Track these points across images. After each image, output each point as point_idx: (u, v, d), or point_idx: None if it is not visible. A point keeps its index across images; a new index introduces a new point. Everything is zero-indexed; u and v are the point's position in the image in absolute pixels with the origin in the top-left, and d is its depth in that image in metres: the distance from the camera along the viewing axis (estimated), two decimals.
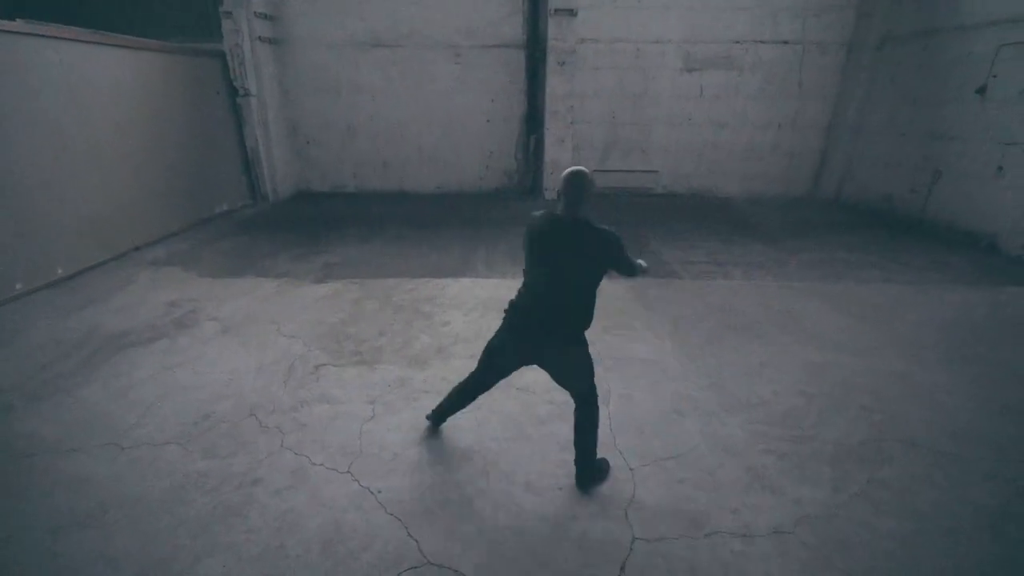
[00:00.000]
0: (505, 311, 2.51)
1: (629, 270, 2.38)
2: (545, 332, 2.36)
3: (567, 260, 2.23)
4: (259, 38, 8.41)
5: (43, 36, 5.26)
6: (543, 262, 2.28)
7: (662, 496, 2.58)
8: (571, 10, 8.22)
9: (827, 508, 2.50)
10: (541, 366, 2.50)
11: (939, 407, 3.32)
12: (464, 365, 3.72)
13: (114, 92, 6.15)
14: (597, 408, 2.54)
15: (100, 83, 5.95)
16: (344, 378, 3.61)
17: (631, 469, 2.76)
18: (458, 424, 3.11)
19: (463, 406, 2.91)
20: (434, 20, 8.81)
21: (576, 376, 2.48)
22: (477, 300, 4.97)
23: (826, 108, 9.21)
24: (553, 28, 8.35)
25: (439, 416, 3.00)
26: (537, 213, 2.36)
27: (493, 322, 4.49)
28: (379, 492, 2.60)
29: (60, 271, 5.42)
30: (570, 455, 2.71)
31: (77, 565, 2.17)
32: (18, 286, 4.97)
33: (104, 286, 5.27)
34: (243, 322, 4.45)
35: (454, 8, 8.74)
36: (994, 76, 6.48)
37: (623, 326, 4.41)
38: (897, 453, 2.89)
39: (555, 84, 8.65)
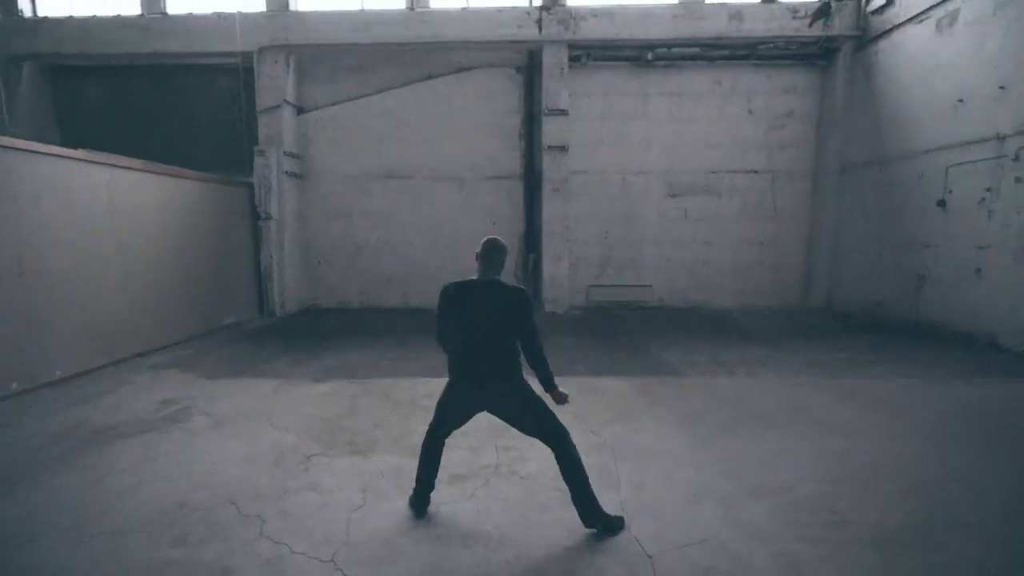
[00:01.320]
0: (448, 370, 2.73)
1: (530, 332, 2.62)
2: (480, 374, 2.62)
3: (486, 313, 2.58)
4: (286, 172, 9.43)
5: (97, 163, 5.94)
6: (466, 317, 2.62)
7: None
8: (562, 147, 9.35)
9: None
10: (493, 412, 2.69)
11: (978, 488, 3.06)
12: (465, 456, 3.52)
13: (150, 211, 6.72)
14: (572, 444, 2.65)
15: (139, 202, 6.54)
16: (335, 468, 3.39)
17: (649, 556, 2.46)
18: (455, 511, 2.85)
19: (434, 467, 2.87)
20: (442, 156, 9.96)
21: (530, 412, 2.65)
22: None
23: (802, 226, 9.93)
24: (547, 161, 9.41)
25: (419, 493, 2.87)
26: (451, 283, 2.73)
27: (496, 419, 4.34)
28: None
29: (58, 373, 5.37)
30: (580, 540, 2.44)
31: None
32: (13, 385, 4.90)
33: (100, 387, 5.18)
34: (236, 417, 4.30)
35: (460, 147, 9.93)
36: (949, 192, 7.14)
37: (629, 418, 4.25)
38: (947, 536, 2.60)
39: (550, 208, 9.46)
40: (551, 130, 9.33)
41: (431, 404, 4.56)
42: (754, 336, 7.52)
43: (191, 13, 9.35)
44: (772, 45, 9.30)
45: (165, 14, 9.46)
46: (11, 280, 4.96)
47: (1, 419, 4.25)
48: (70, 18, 9.38)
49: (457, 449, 3.67)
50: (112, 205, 6.12)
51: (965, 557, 2.43)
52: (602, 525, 2.61)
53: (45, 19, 9.44)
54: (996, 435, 3.86)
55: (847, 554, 2.46)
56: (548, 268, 9.50)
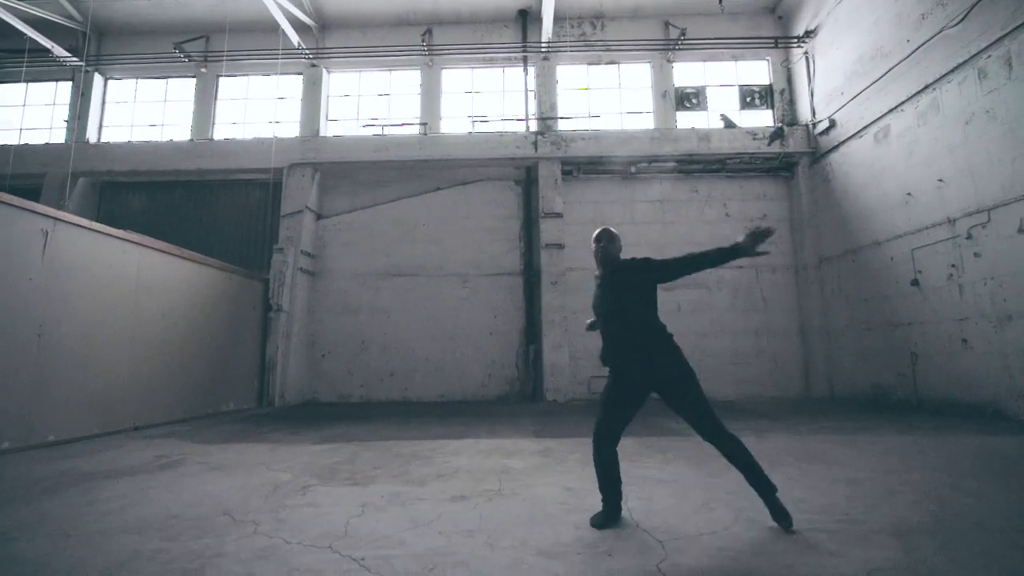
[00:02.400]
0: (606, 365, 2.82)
1: (677, 264, 2.67)
2: (633, 349, 2.68)
3: (617, 293, 2.74)
4: (300, 269, 10.07)
5: (131, 241, 6.52)
6: (603, 306, 2.80)
7: (701, 559, 2.17)
8: (559, 244, 10.14)
9: (901, 564, 2.10)
10: (660, 392, 2.71)
11: (992, 501, 2.97)
12: (466, 486, 3.44)
13: (171, 292, 7.14)
14: (736, 439, 2.61)
15: (162, 283, 6.98)
16: (334, 493, 3.28)
17: (660, 541, 2.37)
18: (458, 517, 2.76)
19: (611, 472, 2.71)
20: (447, 256, 10.71)
21: (691, 394, 2.65)
22: (481, 449, 4.74)
23: (792, 316, 10.29)
24: (545, 258, 10.12)
25: (605, 507, 2.68)
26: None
27: (500, 460, 4.25)
28: (362, 559, 2.19)
29: (51, 437, 5.27)
30: (586, 529, 2.38)
31: None
32: (5, 444, 4.81)
33: (93, 447, 5.05)
34: (231, 464, 4.19)
35: (464, 247, 10.74)
36: (919, 272, 7.65)
37: (632, 460, 4.15)
38: (964, 532, 2.50)
39: (549, 299, 9.92)
40: (548, 230, 10.21)
41: (432, 455, 4.50)
42: (759, 414, 7.40)
43: (233, 138, 10.84)
44: (739, 160, 10.63)
45: (211, 139, 10.95)
46: (30, 341, 5.16)
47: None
48: (127, 143, 10.84)
49: (459, 480, 3.59)
50: (138, 282, 6.54)
51: (983, 548, 2.33)
52: (784, 520, 2.49)
53: (107, 144, 10.90)
54: (1009, 469, 3.77)
55: (867, 540, 2.37)
56: (549, 356, 9.63)
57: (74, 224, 5.67)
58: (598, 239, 2.90)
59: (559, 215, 10.27)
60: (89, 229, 5.86)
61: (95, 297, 5.89)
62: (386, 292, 10.60)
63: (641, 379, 2.69)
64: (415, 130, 11.12)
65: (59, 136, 11.34)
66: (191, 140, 10.93)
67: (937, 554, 2.18)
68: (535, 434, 5.63)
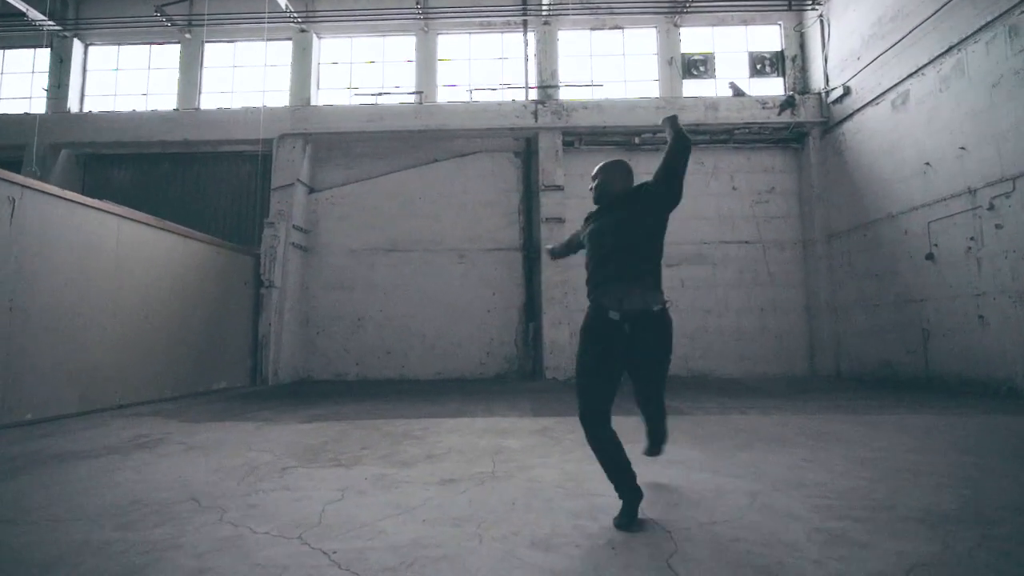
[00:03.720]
0: (587, 325, 2.42)
1: (663, 170, 2.39)
2: (627, 283, 2.26)
3: (624, 225, 2.35)
4: (292, 244, 9.76)
5: (109, 212, 6.20)
6: (603, 242, 2.39)
7: (715, 551, 1.93)
8: (559, 219, 9.79)
9: (944, 559, 1.85)
10: (637, 361, 2.35)
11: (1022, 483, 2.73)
12: (458, 468, 3.20)
13: (154, 266, 6.84)
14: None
15: (145, 256, 6.69)
16: (314, 475, 3.05)
17: (668, 532, 2.12)
18: (446, 504, 2.52)
19: (617, 459, 2.27)
20: (444, 230, 10.37)
21: (663, 371, 2.50)
22: (475, 428, 4.52)
23: (799, 293, 10.00)
24: (545, 233, 9.78)
25: (628, 493, 2.23)
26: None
27: (495, 440, 4.03)
28: (334, 552, 1.95)
29: (29, 415, 5.05)
30: (586, 517, 2.13)
31: None
32: None
33: (71, 426, 4.84)
34: (211, 444, 3.96)
35: (461, 221, 10.40)
36: (935, 245, 7.33)
37: (633, 441, 3.90)
38: (1001, 516, 2.26)
39: (550, 275, 9.62)
40: (548, 203, 9.85)
41: (424, 435, 4.27)
42: (765, 392, 7.19)
43: (221, 107, 10.40)
44: (748, 130, 10.19)
45: (197, 109, 10.51)
46: (0, 315, 4.90)
47: None
48: (110, 112, 10.41)
49: (449, 461, 3.36)
50: (118, 255, 6.25)
51: None
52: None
53: (88, 113, 10.47)
54: None
55: (898, 529, 2.13)
56: (548, 333, 9.39)
57: (44, 192, 5.35)
58: (595, 175, 2.55)
59: (560, 188, 9.90)
60: (61, 198, 5.54)
61: (72, 270, 5.61)
62: (381, 268, 10.31)
63: (637, 342, 2.25)
64: (410, 99, 10.65)
65: (40, 106, 10.89)
66: (176, 110, 10.49)
67: (981, 547, 1.94)
68: (533, 413, 5.41)
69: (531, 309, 10.11)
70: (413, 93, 10.67)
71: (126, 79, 11.10)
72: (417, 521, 2.26)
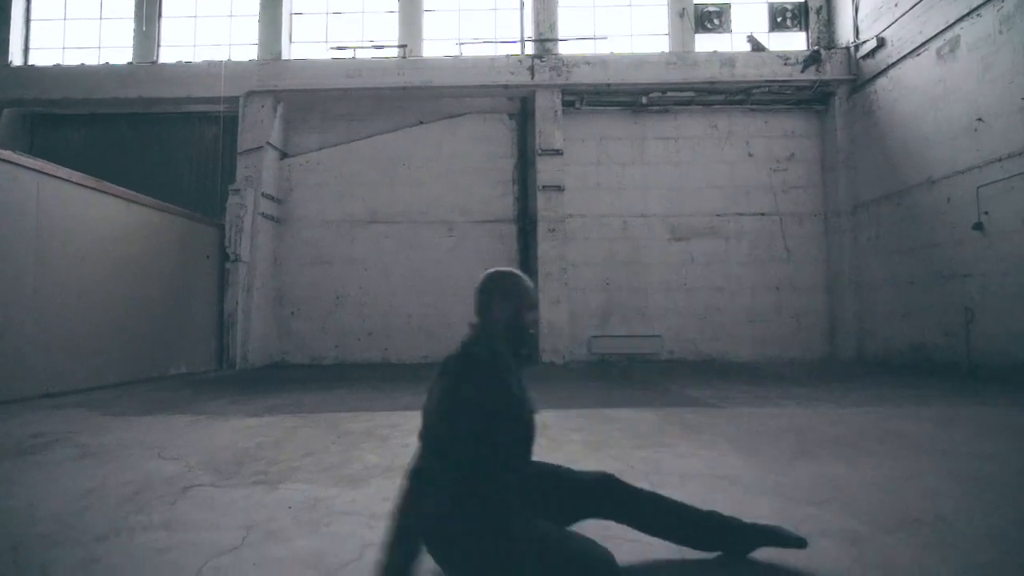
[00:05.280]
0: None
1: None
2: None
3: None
4: (262, 214, 8.79)
5: (25, 167, 5.23)
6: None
7: None
8: (558, 187, 8.85)
9: None
10: None
11: None
12: None
13: (90, 235, 5.91)
14: None
15: (76, 222, 5.74)
16: (219, 500, 2.19)
17: None
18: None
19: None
20: (431, 200, 9.42)
21: None
22: None
23: (819, 270, 9.16)
24: (542, 201, 8.86)
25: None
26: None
27: None
28: None
29: None
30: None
31: None
32: None
33: None
34: (113, 448, 3.10)
35: (450, 190, 9.44)
36: (985, 213, 6.46)
37: (660, 445, 3.08)
38: None
39: (546, 248, 8.73)
40: (546, 169, 8.90)
41: (390, 433, 3.42)
42: (786, 378, 6.39)
43: (181, 61, 9.31)
44: (767, 90, 9.20)
45: (154, 63, 9.41)
46: None
47: None
48: (56, 66, 9.31)
49: None
50: (39, 219, 5.30)
51: None
52: None
53: (32, 67, 9.37)
54: None
55: None
56: (546, 313, 8.53)
57: None
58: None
59: (558, 152, 8.94)
60: None
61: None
62: (362, 241, 9.37)
63: None
64: (393, 54, 9.57)
65: None
66: (131, 63, 9.37)
67: None
68: None
69: None
70: (396, 47, 9.59)
71: (75, 30, 9.94)
72: None
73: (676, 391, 5.25)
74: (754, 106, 9.44)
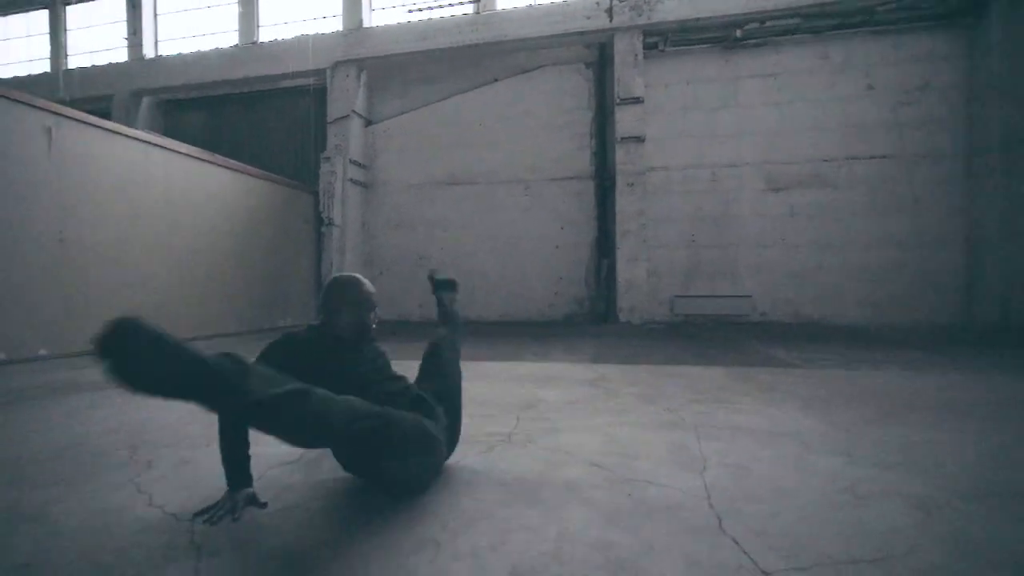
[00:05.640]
0: None
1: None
2: None
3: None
4: (351, 180, 9.37)
5: (155, 144, 6.01)
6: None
7: None
8: (638, 137, 8.33)
9: None
10: None
11: None
12: (467, 426, 2.43)
13: (210, 203, 6.71)
14: None
15: (198, 192, 6.54)
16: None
17: (766, 574, 1.18)
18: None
19: None
20: (506, 159, 9.37)
21: None
22: (516, 374, 3.75)
23: (955, 221, 7.78)
24: (621, 155, 8.42)
25: None
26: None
27: (533, 390, 3.23)
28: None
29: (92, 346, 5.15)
30: (622, 523, 1.25)
31: None
32: (41, 351, 4.69)
33: None
34: None
35: (525, 149, 9.31)
36: None
37: (719, 400, 2.89)
38: None
39: (625, 204, 8.34)
40: (625, 120, 8.40)
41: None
42: (904, 344, 5.61)
43: (275, 39, 10.00)
44: (894, 5, 7.76)
45: (254, 43, 10.21)
46: (51, 247, 4.89)
47: (19, 377, 3.93)
48: (178, 55, 10.47)
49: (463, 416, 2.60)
50: (167, 188, 6.11)
51: None
52: None
53: (160, 58, 10.63)
54: None
55: None
56: (623, 271, 8.26)
57: (80, 121, 5.18)
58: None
59: (639, 100, 8.37)
60: (98, 127, 5.37)
61: (120, 202, 5.52)
62: (441, 203, 9.65)
63: None
64: (469, 11, 9.45)
65: (124, 56, 11.25)
66: (235, 46, 10.26)
67: None
68: (593, 359, 4.52)
69: (605, 244, 8.96)
70: (471, 2, 9.45)
71: (193, 18, 11.05)
72: (339, 518, 1.53)
73: (760, 352, 4.85)
74: (877, 28, 8.02)
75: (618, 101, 8.46)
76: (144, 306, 5.73)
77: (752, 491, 1.63)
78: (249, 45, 10.15)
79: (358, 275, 1.81)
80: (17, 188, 4.62)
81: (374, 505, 1.57)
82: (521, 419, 2.55)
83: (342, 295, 1.73)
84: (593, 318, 8.90)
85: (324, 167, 9.08)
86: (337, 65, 9.49)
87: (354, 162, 9.48)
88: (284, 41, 9.83)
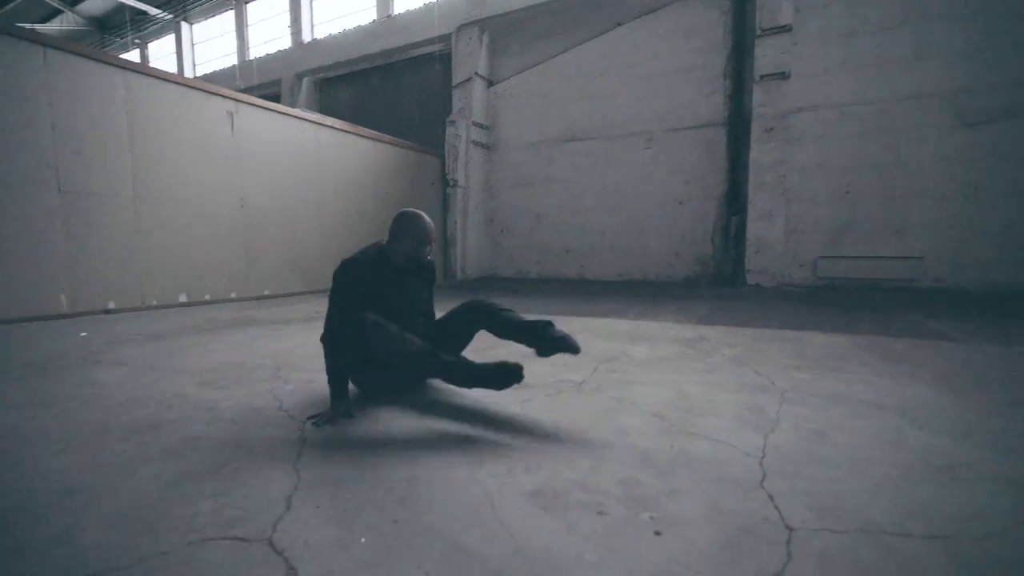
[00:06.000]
0: None
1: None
2: None
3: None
4: (473, 142, 9.78)
5: (310, 120, 6.95)
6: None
7: None
8: (781, 73, 7.27)
9: None
10: None
11: None
12: (544, 371, 2.58)
13: (349, 168, 7.63)
14: None
15: (340, 160, 7.47)
16: None
17: (790, 529, 1.13)
18: (455, 413, 1.96)
19: None
20: (627, 111, 8.91)
21: None
22: (611, 330, 3.77)
23: None
24: (760, 96, 7.45)
25: None
26: None
27: (621, 346, 3.25)
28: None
29: (266, 292, 6.37)
30: (642, 472, 1.29)
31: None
32: (232, 294, 5.94)
33: (285, 303, 5.91)
34: None
35: (648, 97, 8.73)
36: None
37: (827, 368, 2.59)
38: None
39: (761, 153, 7.44)
40: (766, 54, 7.36)
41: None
42: None
43: (407, 10, 10.61)
44: None
45: (390, 16, 10.97)
46: (236, 211, 6.06)
47: (200, 312, 5.10)
48: (328, 36, 11.72)
49: (542, 363, 2.75)
50: (318, 158, 7.08)
51: None
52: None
53: (315, 41, 12.02)
54: None
55: None
56: (754, 229, 7.48)
57: (253, 104, 6.22)
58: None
59: (785, 28, 7.25)
60: (266, 109, 6.39)
61: (281, 172, 6.58)
62: (559, 161, 9.61)
63: None
64: None
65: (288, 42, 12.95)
66: (373, 21, 11.14)
67: None
68: (701, 320, 4.29)
69: (735, 200, 8.16)
70: None
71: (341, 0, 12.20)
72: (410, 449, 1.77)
73: (913, 322, 4.12)
74: None
75: (759, 32, 7.42)
76: (301, 260, 6.84)
77: (817, 456, 1.51)
78: (384, 19, 10.95)
79: (422, 213, 2.09)
80: (211, 162, 5.78)
81: (435, 428, 1.80)
82: (599, 370, 2.61)
83: (407, 227, 2.04)
84: (717, 280, 8.29)
85: (449, 131, 9.60)
86: (460, 29, 9.79)
87: (476, 124, 9.85)
88: (413, 11, 10.41)
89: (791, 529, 1.13)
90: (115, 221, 4.95)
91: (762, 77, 7.39)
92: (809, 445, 1.60)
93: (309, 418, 1.88)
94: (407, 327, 1.94)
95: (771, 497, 1.27)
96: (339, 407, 1.89)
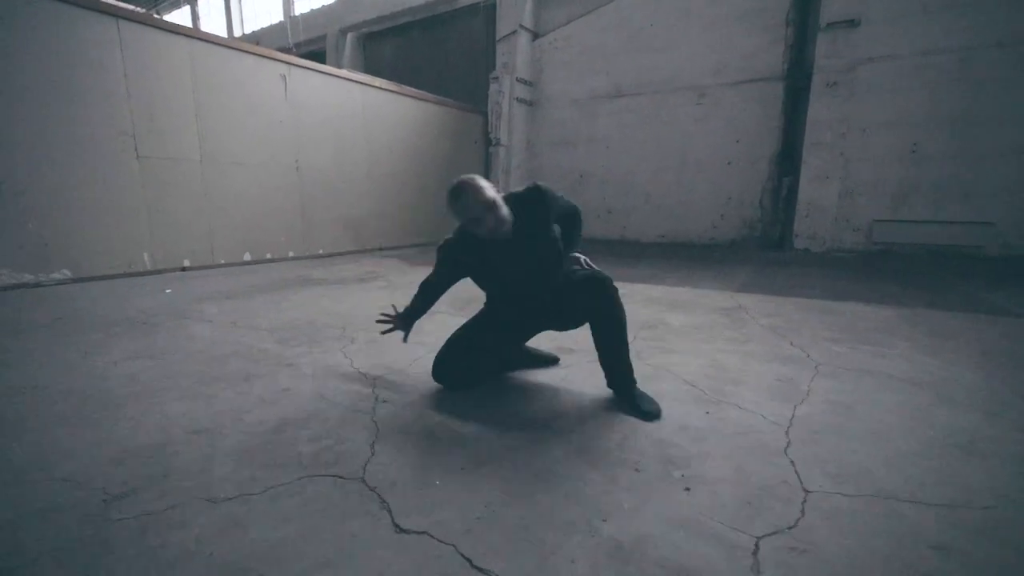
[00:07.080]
0: None
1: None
2: None
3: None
4: (517, 99, 9.63)
5: (355, 81, 7.06)
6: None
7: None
8: (850, 20, 6.72)
9: None
10: None
11: None
12: (583, 337, 2.73)
13: (396, 129, 7.76)
14: None
15: (386, 120, 7.60)
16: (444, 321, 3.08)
17: (806, 491, 1.28)
18: (499, 385, 2.16)
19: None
20: (678, 64, 8.50)
21: None
22: (647, 296, 3.87)
23: None
24: (824, 46, 6.94)
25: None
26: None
27: (658, 313, 3.36)
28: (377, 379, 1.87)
29: (321, 251, 6.75)
30: (662, 435, 1.45)
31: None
32: (290, 254, 6.35)
33: (337, 262, 6.27)
34: (408, 284, 4.49)
35: (702, 48, 8.27)
36: None
37: (866, 341, 2.63)
38: None
39: (820, 109, 7.02)
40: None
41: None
42: None
43: None
44: None
45: None
46: (291, 173, 6.36)
47: (264, 270, 5.51)
48: None
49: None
50: (365, 119, 7.23)
51: None
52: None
53: None
54: None
55: None
56: (806, 191, 7.18)
57: (304, 67, 6.37)
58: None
59: None
60: (316, 71, 6.53)
61: (332, 134, 6.79)
62: (604, 118, 9.36)
63: None
64: None
65: None
66: None
67: None
68: (740, 287, 4.31)
69: (788, 160, 7.79)
70: None
71: None
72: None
73: (971, 293, 3.99)
74: None
75: None
76: (352, 219, 7.15)
77: (843, 428, 1.63)
78: None
79: (460, 183, 1.81)
80: (268, 125, 6.04)
81: (491, 399, 2.02)
82: (636, 338, 2.75)
83: (452, 211, 1.83)
84: (764, 244, 8.07)
85: (492, 87, 9.48)
86: None
87: (520, 80, 9.66)
88: None
89: (807, 491, 1.28)
90: (186, 184, 5.34)
91: (828, 25, 6.87)
92: (835, 418, 1.71)
93: (383, 312, 2.11)
94: (541, 291, 2.00)
95: (792, 463, 1.41)
96: (401, 326, 2.08)
